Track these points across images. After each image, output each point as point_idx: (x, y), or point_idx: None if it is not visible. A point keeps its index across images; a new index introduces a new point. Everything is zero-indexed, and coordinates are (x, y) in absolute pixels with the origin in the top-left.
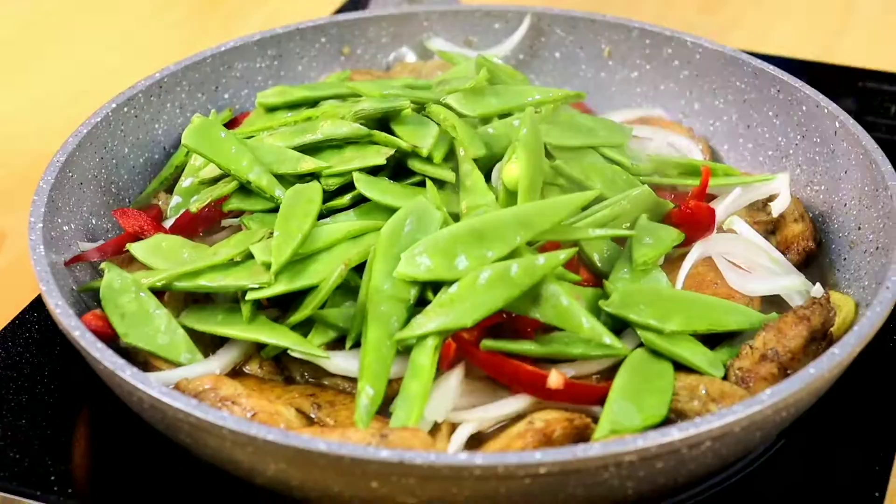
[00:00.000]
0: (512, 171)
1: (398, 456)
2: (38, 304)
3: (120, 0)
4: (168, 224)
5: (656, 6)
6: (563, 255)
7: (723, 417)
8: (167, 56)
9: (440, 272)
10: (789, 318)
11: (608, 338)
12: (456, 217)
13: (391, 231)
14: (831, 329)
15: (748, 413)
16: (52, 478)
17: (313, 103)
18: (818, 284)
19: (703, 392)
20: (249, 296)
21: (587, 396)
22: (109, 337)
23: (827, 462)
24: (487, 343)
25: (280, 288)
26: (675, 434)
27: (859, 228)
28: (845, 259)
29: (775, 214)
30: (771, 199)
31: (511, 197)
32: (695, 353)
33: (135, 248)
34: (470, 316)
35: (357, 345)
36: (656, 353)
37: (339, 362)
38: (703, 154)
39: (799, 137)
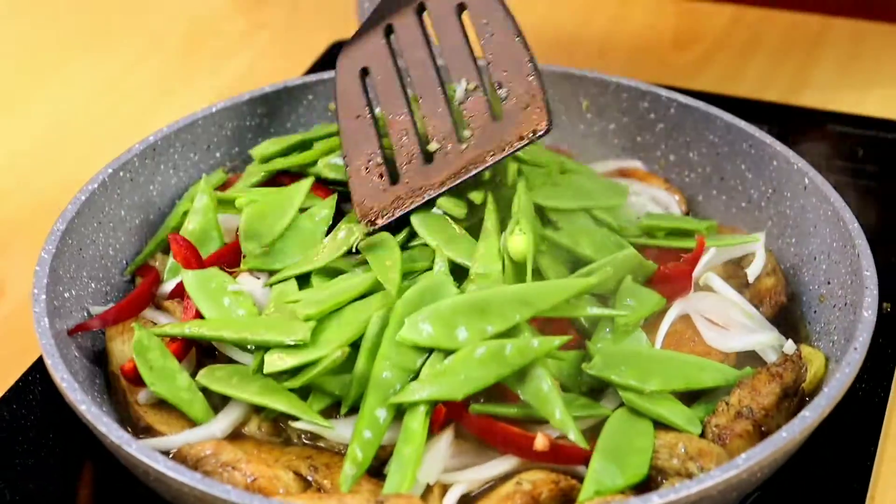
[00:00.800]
0: (518, 244)
1: None
2: (39, 365)
3: (103, 46)
4: (168, 287)
5: (632, 45)
6: (557, 341)
7: (701, 483)
8: (151, 102)
9: (440, 340)
10: (763, 376)
11: (573, 433)
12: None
13: (407, 302)
14: (803, 384)
15: (725, 478)
16: None
17: (306, 146)
18: (790, 340)
19: (682, 450)
20: (269, 368)
21: (572, 457)
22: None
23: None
24: (476, 407)
25: (295, 361)
26: (655, 500)
27: (829, 283)
28: (815, 312)
29: (751, 278)
30: (746, 257)
31: (516, 268)
32: (673, 412)
33: (187, 277)
34: (461, 390)
35: (352, 410)
36: (637, 413)
37: (341, 431)
38: (679, 206)
39: (770, 191)
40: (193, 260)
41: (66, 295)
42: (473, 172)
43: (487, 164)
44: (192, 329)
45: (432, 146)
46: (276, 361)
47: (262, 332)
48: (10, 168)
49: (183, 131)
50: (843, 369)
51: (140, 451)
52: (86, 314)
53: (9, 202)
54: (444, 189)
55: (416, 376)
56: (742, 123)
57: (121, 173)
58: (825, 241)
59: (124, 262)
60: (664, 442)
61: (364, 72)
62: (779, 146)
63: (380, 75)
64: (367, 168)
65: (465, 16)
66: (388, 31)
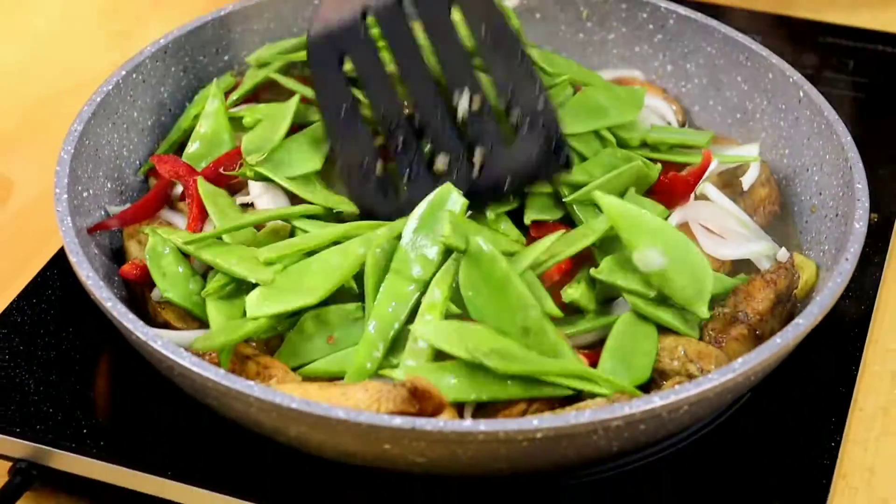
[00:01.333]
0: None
1: (410, 423)
2: (57, 262)
3: None
4: (181, 188)
5: None
6: None
7: (699, 385)
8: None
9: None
10: (758, 283)
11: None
12: None
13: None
14: (795, 291)
15: (722, 381)
16: (85, 430)
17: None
18: (783, 248)
19: (682, 353)
20: (251, 311)
21: None
22: (142, 283)
23: (788, 411)
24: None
25: (273, 309)
26: (657, 401)
27: (820, 194)
28: (807, 222)
29: (745, 187)
30: (741, 166)
31: None
32: (675, 317)
33: (202, 184)
34: None
35: None
36: (642, 317)
37: None
38: (676, 116)
39: (765, 103)
40: (185, 172)
41: (85, 194)
42: (487, 201)
43: (501, 196)
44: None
45: (440, 166)
46: (257, 305)
47: (233, 263)
48: (7, 72)
49: (193, 34)
50: (835, 279)
51: (165, 347)
52: (103, 213)
53: (8, 106)
54: None
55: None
56: (739, 36)
57: (133, 75)
58: (818, 153)
59: (138, 162)
60: (664, 345)
61: (342, 57)
62: (775, 59)
63: (366, 69)
64: (363, 171)
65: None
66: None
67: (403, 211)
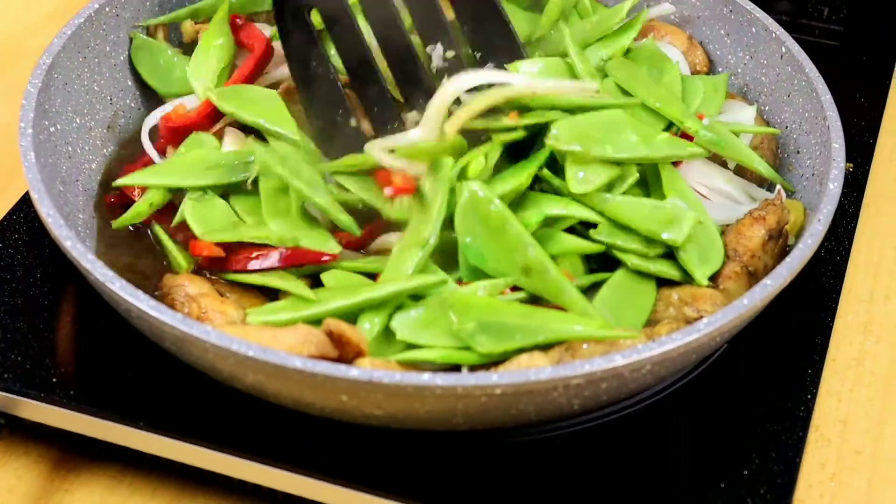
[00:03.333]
0: None
1: (367, 375)
2: (23, 205)
3: None
4: None
5: None
6: None
7: (662, 345)
8: None
9: None
10: (747, 220)
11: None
12: None
13: None
14: (786, 227)
15: (686, 341)
16: (54, 379)
17: None
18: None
19: (676, 298)
20: None
21: None
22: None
23: (763, 363)
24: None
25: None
26: (618, 360)
27: (798, 152)
28: (785, 179)
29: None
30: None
31: None
32: (671, 266)
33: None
34: None
35: None
36: (639, 274)
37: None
38: (698, 65)
39: (748, 57)
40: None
41: (52, 129)
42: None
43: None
44: None
45: (413, 116)
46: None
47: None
48: None
49: None
50: (806, 240)
51: (123, 289)
52: (69, 149)
53: None
54: None
55: None
56: None
57: (106, 9)
58: (797, 110)
59: (108, 98)
60: (658, 295)
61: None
62: (759, 13)
63: (335, 20)
64: (334, 127)
65: None
66: None
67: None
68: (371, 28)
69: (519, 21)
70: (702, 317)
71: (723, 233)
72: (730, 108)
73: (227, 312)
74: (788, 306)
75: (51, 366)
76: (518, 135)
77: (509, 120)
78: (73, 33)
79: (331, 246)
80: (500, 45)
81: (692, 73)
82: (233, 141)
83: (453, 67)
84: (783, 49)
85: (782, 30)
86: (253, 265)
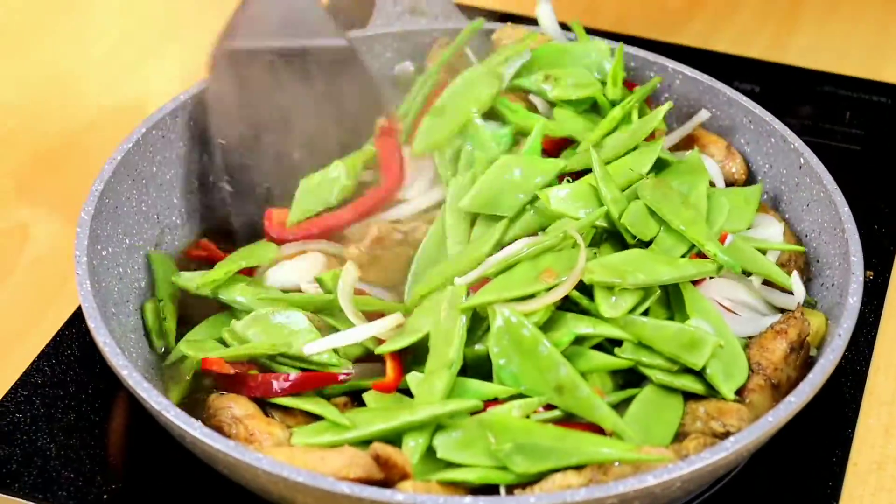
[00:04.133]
0: None
1: (412, 499)
2: (75, 320)
3: None
4: None
5: None
6: None
7: (692, 464)
8: (158, 44)
9: None
10: (769, 334)
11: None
12: None
13: None
14: (807, 338)
15: (714, 459)
16: (105, 496)
17: None
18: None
19: (703, 412)
20: None
21: None
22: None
23: (784, 474)
24: None
25: None
26: (650, 480)
27: (818, 261)
28: (806, 289)
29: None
30: None
31: None
32: (696, 381)
33: None
34: None
35: None
36: (665, 388)
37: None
38: (735, 174)
39: (767, 166)
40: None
41: (104, 253)
42: None
43: None
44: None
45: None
46: None
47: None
48: (20, 110)
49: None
50: (828, 356)
51: (178, 417)
52: (120, 270)
53: (23, 145)
54: None
55: None
56: (743, 99)
57: (153, 131)
58: (816, 220)
59: (155, 216)
60: (685, 409)
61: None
62: (777, 124)
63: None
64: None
65: None
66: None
67: None
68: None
69: (576, 125)
70: (728, 431)
71: (747, 345)
72: (759, 223)
73: (273, 434)
74: (809, 416)
75: (102, 483)
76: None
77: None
78: (123, 158)
79: (346, 365)
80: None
81: (729, 183)
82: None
83: None
84: (801, 160)
85: (800, 140)
86: (275, 387)
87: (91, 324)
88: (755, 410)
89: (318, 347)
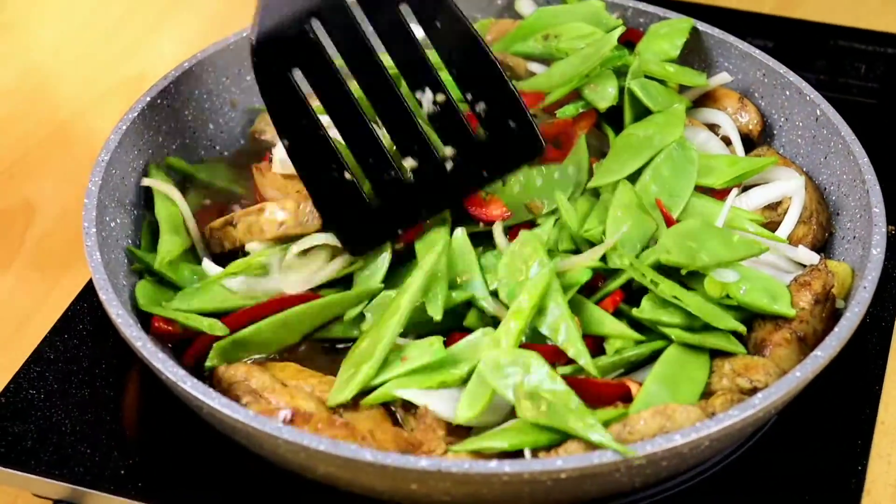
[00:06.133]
0: None
1: (436, 465)
2: (86, 294)
3: None
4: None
5: None
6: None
7: (720, 422)
8: (156, 25)
9: None
10: (792, 287)
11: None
12: None
13: None
14: (833, 290)
15: (742, 417)
16: (122, 471)
17: None
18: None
19: (729, 369)
20: None
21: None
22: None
23: (812, 434)
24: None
25: None
26: (678, 439)
27: (838, 214)
28: (827, 243)
29: (787, 230)
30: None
31: None
32: (719, 337)
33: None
34: None
35: None
36: (691, 347)
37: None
38: (750, 127)
39: (783, 120)
40: None
41: (112, 224)
42: (467, 195)
43: (483, 184)
44: None
45: (408, 162)
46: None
47: None
48: (19, 97)
49: (215, 56)
50: (853, 308)
51: (195, 387)
52: (128, 242)
53: (25, 130)
54: (435, 213)
55: None
56: (756, 52)
57: (158, 101)
58: (835, 172)
59: None
60: (711, 367)
61: (289, 70)
62: (792, 76)
63: (316, 77)
64: (331, 187)
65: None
66: (308, 15)
67: (385, 232)
68: (357, 80)
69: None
70: (755, 387)
71: None
72: (781, 176)
73: (299, 406)
74: (836, 373)
75: (119, 458)
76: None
77: None
78: (128, 128)
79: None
80: (486, 85)
81: (743, 135)
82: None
83: (447, 111)
84: (818, 112)
85: (816, 92)
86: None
87: (102, 296)
88: (781, 365)
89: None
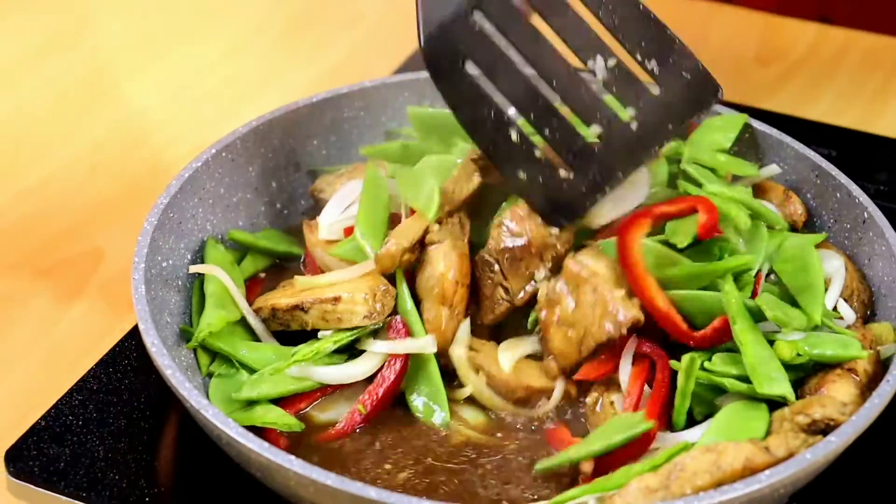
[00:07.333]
0: None
1: None
2: (136, 332)
3: (204, 33)
4: None
5: (716, 48)
6: None
7: (724, 493)
8: (247, 90)
9: None
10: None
11: None
12: None
13: None
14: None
15: (747, 490)
16: (147, 500)
17: None
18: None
19: (787, 411)
20: None
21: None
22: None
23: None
24: None
25: None
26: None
27: (875, 315)
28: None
29: (830, 305)
30: None
31: None
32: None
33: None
34: None
35: None
36: (751, 400)
37: None
38: (795, 217)
39: (832, 220)
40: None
41: (164, 264)
42: (658, 147)
43: (670, 136)
44: None
45: (594, 129)
46: None
47: None
48: (111, 149)
49: (284, 118)
50: (873, 400)
51: (216, 416)
52: (180, 283)
53: (110, 181)
54: (630, 173)
55: None
56: (810, 153)
57: (223, 154)
58: (877, 273)
59: (220, 236)
60: (771, 418)
61: (460, 62)
62: (843, 178)
63: (493, 65)
64: (528, 170)
65: None
66: (471, 8)
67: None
68: (528, 62)
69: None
70: (813, 419)
71: None
72: (822, 257)
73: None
74: (860, 465)
75: (145, 486)
76: None
77: None
78: (191, 176)
79: None
80: (652, 41)
81: (790, 226)
82: None
83: (621, 74)
84: (865, 214)
85: (865, 196)
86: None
87: (142, 325)
88: (839, 397)
89: None
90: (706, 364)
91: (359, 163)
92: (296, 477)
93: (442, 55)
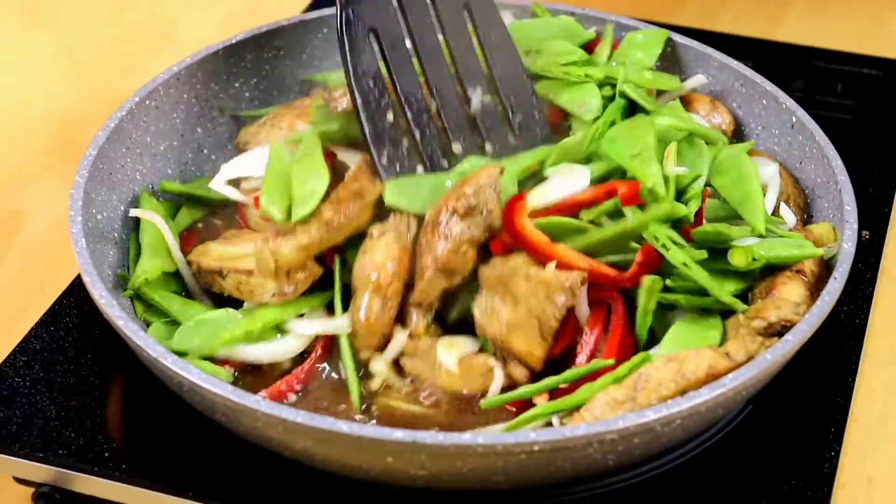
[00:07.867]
0: None
1: (411, 437)
2: (73, 289)
3: None
4: None
5: None
6: None
7: (690, 400)
8: (155, 35)
9: None
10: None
11: None
12: None
13: None
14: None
15: (713, 395)
16: (106, 454)
17: None
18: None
19: (742, 318)
20: None
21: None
22: None
23: (786, 423)
24: None
25: None
26: (650, 415)
27: (811, 216)
28: None
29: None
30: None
31: None
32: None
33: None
34: None
35: None
36: (700, 313)
37: None
38: (723, 127)
39: (760, 128)
40: None
41: (99, 217)
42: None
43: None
44: None
45: (456, 147)
46: None
47: None
48: (17, 107)
49: (205, 61)
50: (824, 297)
51: (175, 363)
52: (115, 235)
53: (21, 140)
54: None
55: None
56: (734, 63)
57: (147, 101)
58: (809, 176)
59: (150, 186)
60: (724, 326)
61: (374, 32)
62: (769, 85)
63: (392, 46)
64: (395, 149)
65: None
66: None
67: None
68: (421, 62)
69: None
70: (769, 322)
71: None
72: (756, 164)
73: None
74: (810, 368)
75: (103, 441)
76: None
77: None
78: (117, 125)
79: None
80: (523, 100)
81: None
82: None
83: (486, 112)
84: (794, 118)
85: (791, 100)
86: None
87: (87, 278)
88: (791, 298)
89: None
90: (668, 281)
91: (280, 108)
92: (264, 417)
93: (356, 20)
